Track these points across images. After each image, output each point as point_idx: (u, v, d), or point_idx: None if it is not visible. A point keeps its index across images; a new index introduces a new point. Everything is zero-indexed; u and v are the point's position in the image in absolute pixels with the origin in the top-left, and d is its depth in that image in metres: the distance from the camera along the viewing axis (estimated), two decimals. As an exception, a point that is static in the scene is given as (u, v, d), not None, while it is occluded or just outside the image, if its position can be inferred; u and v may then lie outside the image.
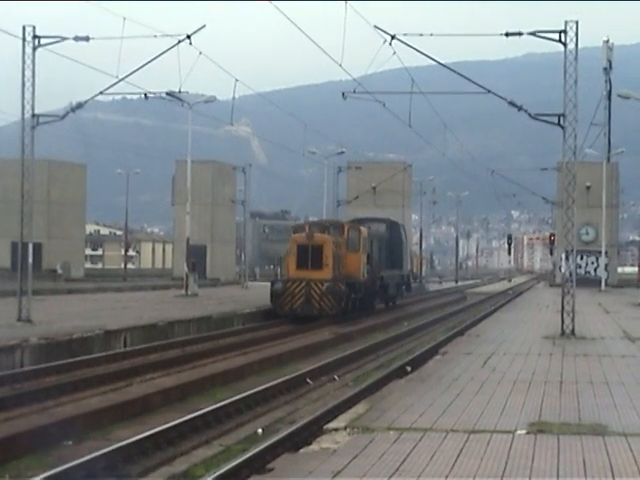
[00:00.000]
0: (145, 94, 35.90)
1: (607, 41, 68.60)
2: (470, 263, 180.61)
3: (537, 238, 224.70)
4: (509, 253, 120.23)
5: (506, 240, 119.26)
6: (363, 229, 42.03)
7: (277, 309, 37.53)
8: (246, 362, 23.62)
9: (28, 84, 28.96)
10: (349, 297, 38.62)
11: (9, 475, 12.19)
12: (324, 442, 11.21)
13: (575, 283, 27.12)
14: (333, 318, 36.86)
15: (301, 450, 11.15)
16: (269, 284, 38.76)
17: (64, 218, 76.27)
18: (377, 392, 15.99)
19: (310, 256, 37.57)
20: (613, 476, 9.40)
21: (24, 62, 28.96)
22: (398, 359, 25.27)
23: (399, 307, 49.51)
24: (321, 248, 37.79)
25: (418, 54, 28.13)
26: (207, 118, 54.35)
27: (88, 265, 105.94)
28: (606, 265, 65.10)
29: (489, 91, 28.80)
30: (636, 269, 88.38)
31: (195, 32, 30.64)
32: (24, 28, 29.09)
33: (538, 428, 11.85)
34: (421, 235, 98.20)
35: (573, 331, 25.89)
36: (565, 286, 26.83)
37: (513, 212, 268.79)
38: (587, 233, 70.15)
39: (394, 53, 29.55)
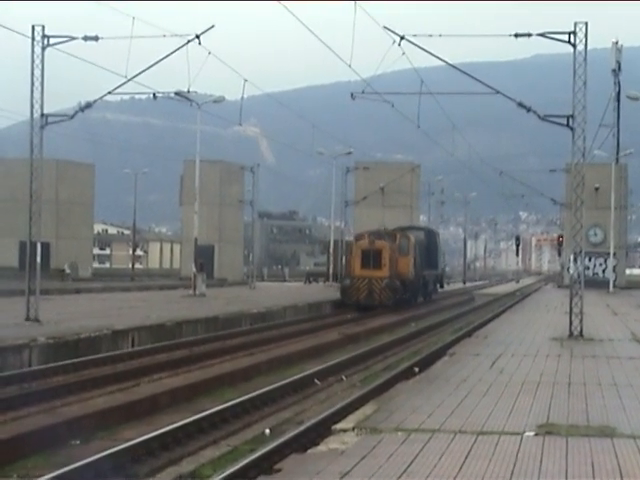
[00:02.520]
0: (154, 94, 35.87)
1: (616, 42, 68.30)
2: (478, 264, 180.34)
3: (545, 239, 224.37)
4: (517, 254, 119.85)
5: (514, 241, 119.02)
6: (411, 237, 51.51)
7: (346, 300, 46.61)
8: (254, 362, 23.61)
9: (37, 84, 28.99)
10: (401, 291, 47.64)
11: (17, 474, 12.20)
12: (332, 443, 11.19)
13: (583, 285, 27.06)
14: (389, 307, 45.75)
15: (309, 451, 11.14)
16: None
17: (72, 218, 76.40)
18: (385, 393, 15.96)
19: (372, 259, 46.74)
20: (622, 478, 9.36)
21: (33, 62, 28.99)
22: (406, 360, 25.23)
23: (407, 309, 49.67)
24: (380, 252, 46.95)
25: (427, 55, 28.11)
26: (215, 118, 54.39)
27: (96, 265, 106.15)
28: (614, 267, 64.96)
29: (498, 92, 28.75)
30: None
31: (204, 32, 30.67)
32: (33, 28, 29.12)
33: (546, 430, 11.82)
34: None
35: (581, 333, 25.84)
36: (573, 287, 26.78)
37: (521, 213, 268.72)
38: (595, 234, 70.01)
39: (403, 54, 29.53)
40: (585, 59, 26.18)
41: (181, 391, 18.51)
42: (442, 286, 65.18)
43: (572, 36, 26.13)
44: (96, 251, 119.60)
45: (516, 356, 20.86)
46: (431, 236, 60.32)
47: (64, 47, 29.75)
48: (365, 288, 46.41)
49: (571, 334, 25.84)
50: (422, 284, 54.19)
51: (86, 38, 29.96)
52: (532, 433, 11.66)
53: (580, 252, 26.80)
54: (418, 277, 52.17)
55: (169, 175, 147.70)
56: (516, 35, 27.67)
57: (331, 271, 69.42)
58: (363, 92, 34.09)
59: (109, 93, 32.13)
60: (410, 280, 49.74)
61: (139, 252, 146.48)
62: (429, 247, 57.38)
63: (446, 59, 29.27)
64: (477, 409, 13.48)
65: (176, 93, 41.51)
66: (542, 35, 26.82)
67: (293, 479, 9.52)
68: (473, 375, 17.34)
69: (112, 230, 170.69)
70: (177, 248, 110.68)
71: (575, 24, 26.12)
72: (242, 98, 37.35)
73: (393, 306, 46.13)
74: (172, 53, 30.72)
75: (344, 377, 22.19)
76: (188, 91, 39.09)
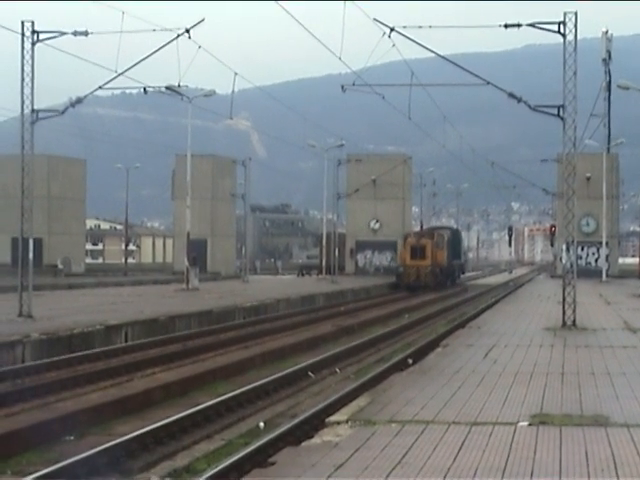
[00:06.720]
0: (144, 88, 35.83)
1: (606, 32, 68.35)
2: (471, 255, 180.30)
3: (538, 229, 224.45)
4: (510, 245, 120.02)
5: (506, 232, 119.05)
6: (445, 234, 67.34)
7: (399, 283, 61.79)
8: (247, 356, 23.62)
9: (27, 79, 28.90)
10: (439, 276, 63.06)
11: (11, 471, 12.18)
12: (326, 435, 11.19)
13: (576, 274, 27.06)
14: (432, 288, 59.63)
15: (303, 444, 11.12)
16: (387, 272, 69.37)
17: (64, 213, 76.34)
18: (378, 385, 15.94)
19: (418, 252, 61.91)
20: (616, 467, 9.36)
21: (23, 57, 28.89)
22: (399, 352, 25.25)
23: (403, 299, 50.01)
24: (424, 247, 62.39)
25: (417, 46, 28.06)
26: (206, 112, 54.20)
27: (89, 260, 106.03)
28: (607, 256, 65.01)
29: (489, 83, 28.73)
30: (637, 260, 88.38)
31: (194, 26, 30.61)
32: (23, 23, 29.00)
33: (540, 420, 11.83)
34: (421, 227, 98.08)
35: (574, 322, 25.87)
36: (566, 277, 26.79)
37: (513, 204, 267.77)
38: (588, 224, 70.01)
39: (393, 45, 29.49)
40: (575, 49, 26.15)
41: (175, 385, 18.52)
42: (464, 272, 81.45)
43: (562, 26, 26.10)
44: (88, 246, 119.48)
45: (509, 346, 20.88)
46: (456, 234, 76.95)
47: (54, 42, 29.67)
48: (414, 274, 61.42)
49: (564, 324, 25.87)
50: (451, 271, 69.23)
51: (76, 33, 29.83)
52: (526, 423, 11.66)
53: (573, 242, 26.81)
54: (449, 265, 67.27)
55: (161, 170, 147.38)
56: (506, 26, 27.61)
57: (324, 264, 69.29)
58: (354, 84, 34.09)
59: (100, 88, 31.99)
60: (445, 267, 65.13)
61: (132, 247, 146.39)
62: (454, 242, 71.39)
63: (436, 50, 29.24)
64: (471, 400, 13.48)
65: (167, 87, 41.47)
66: (532, 25, 26.78)
67: (287, 472, 9.50)
68: (467, 366, 17.35)
69: (104, 225, 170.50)
70: (169, 242, 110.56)
71: (565, 14, 26.09)
72: (233, 91, 37.35)
73: (434, 287, 59.96)
74: (162, 47, 30.64)
75: (338, 369, 22.21)
76: (179, 85, 39.16)
